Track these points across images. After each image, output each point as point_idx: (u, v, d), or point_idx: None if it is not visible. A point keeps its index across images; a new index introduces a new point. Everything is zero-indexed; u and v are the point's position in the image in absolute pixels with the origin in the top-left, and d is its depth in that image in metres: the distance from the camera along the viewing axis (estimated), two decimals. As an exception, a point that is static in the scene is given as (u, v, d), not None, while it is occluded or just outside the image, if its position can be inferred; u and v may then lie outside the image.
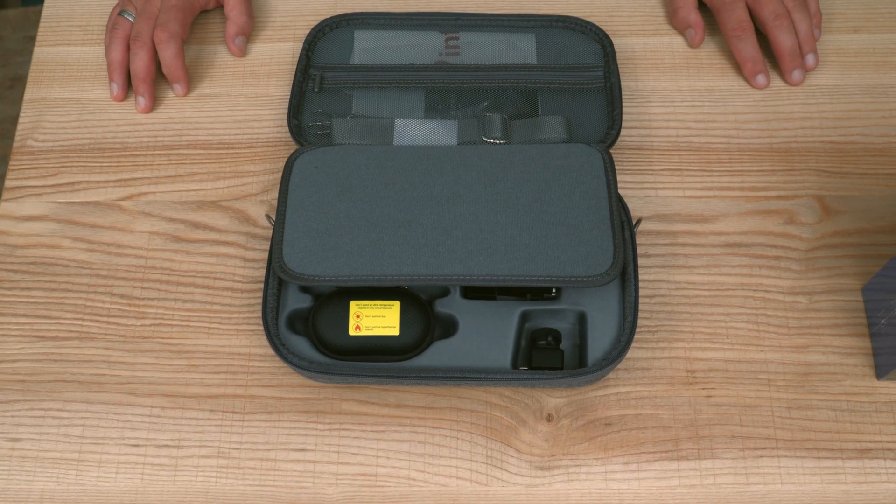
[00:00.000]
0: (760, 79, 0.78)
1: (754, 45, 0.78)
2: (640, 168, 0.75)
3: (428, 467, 0.65)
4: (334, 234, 0.65)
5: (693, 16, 0.80)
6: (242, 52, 0.80)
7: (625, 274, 0.66)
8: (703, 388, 0.67)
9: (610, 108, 0.74)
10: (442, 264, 0.63)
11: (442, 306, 0.67)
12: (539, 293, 0.67)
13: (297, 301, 0.67)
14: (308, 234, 0.65)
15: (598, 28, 0.78)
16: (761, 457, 0.65)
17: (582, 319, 0.67)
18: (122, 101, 0.78)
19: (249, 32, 0.81)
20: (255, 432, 0.66)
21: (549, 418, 0.66)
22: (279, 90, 0.79)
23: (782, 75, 0.79)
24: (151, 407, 0.67)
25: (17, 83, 1.74)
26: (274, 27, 0.82)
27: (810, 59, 0.78)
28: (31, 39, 1.77)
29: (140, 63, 0.76)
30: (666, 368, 0.67)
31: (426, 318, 0.65)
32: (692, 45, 0.80)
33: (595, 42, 0.78)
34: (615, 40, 0.81)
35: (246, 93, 0.79)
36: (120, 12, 0.78)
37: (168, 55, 0.76)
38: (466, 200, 0.66)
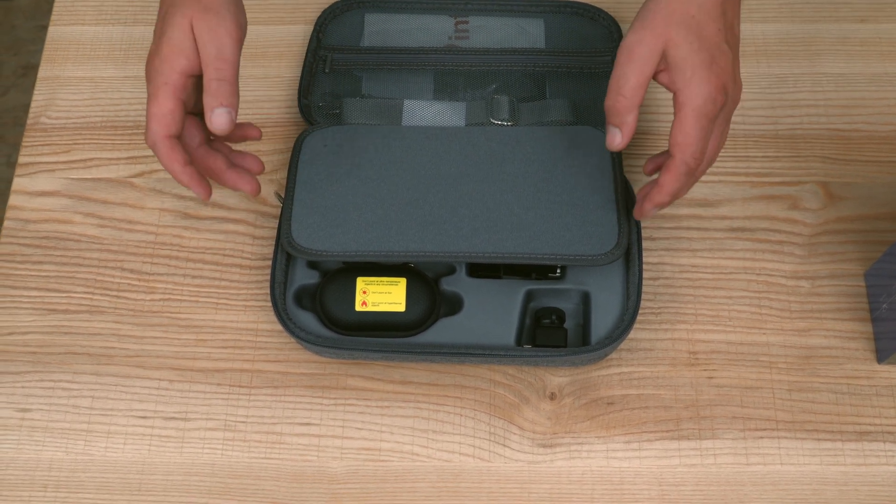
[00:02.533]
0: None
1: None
2: (646, 152, 0.75)
3: (431, 443, 0.65)
4: (342, 211, 0.65)
5: (630, 117, 0.59)
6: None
7: (629, 255, 0.67)
8: (705, 370, 0.67)
9: (617, 92, 0.75)
10: (448, 242, 0.64)
11: (448, 284, 0.67)
12: (544, 273, 0.67)
13: (304, 277, 0.68)
14: (316, 211, 0.66)
15: (606, 14, 0.79)
16: (761, 437, 0.65)
17: (586, 299, 0.67)
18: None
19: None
20: (261, 406, 0.67)
21: (552, 397, 0.67)
22: (289, 71, 0.80)
23: (635, 204, 0.64)
24: (159, 380, 0.68)
25: (30, 71, 1.75)
26: (285, 10, 0.83)
27: (655, 199, 0.61)
28: (44, 28, 1.78)
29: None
30: (668, 349, 0.68)
31: (432, 295, 0.66)
32: (609, 146, 0.60)
33: (603, 28, 0.78)
34: (623, 27, 0.81)
35: (256, 74, 0.80)
36: None
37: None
38: (473, 179, 0.67)
